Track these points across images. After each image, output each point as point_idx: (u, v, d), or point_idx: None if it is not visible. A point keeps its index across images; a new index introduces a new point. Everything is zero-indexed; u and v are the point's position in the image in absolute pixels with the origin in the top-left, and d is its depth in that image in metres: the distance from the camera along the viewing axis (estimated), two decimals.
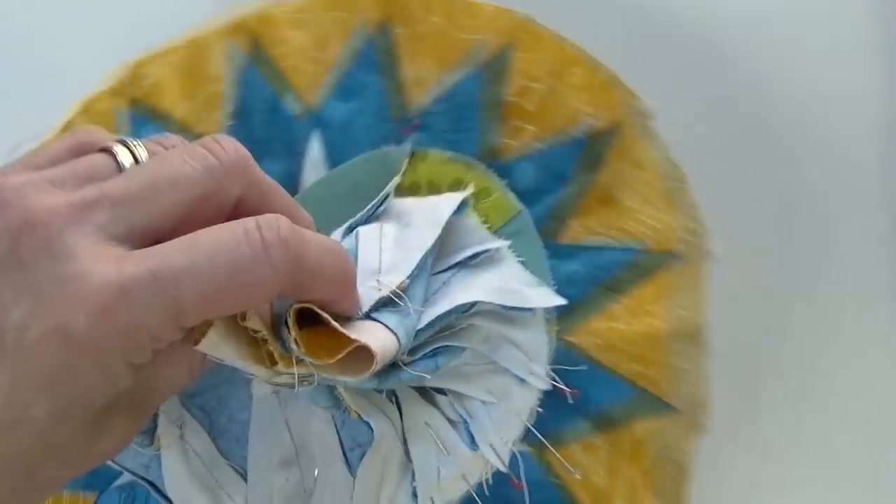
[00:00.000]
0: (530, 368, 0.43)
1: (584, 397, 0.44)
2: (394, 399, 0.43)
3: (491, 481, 0.43)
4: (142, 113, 0.51)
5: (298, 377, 0.36)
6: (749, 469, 0.50)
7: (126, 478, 0.46)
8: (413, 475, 0.42)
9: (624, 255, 0.46)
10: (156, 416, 0.44)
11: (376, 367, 0.36)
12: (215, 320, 0.35)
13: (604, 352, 0.45)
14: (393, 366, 0.40)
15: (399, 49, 0.49)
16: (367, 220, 0.45)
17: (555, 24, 0.48)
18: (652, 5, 0.52)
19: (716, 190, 0.47)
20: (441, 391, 0.43)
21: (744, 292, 0.50)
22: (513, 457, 0.43)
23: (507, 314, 0.42)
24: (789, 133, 0.50)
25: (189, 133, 0.50)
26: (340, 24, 0.50)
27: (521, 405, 0.42)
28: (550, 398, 0.44)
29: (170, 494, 0.43)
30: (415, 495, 0.42)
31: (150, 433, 0.44)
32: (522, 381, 0.43)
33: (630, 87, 0.48)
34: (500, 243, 0.44)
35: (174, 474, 0.43)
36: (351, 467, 0.43)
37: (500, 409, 0.42)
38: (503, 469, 0.42)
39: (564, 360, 0.44)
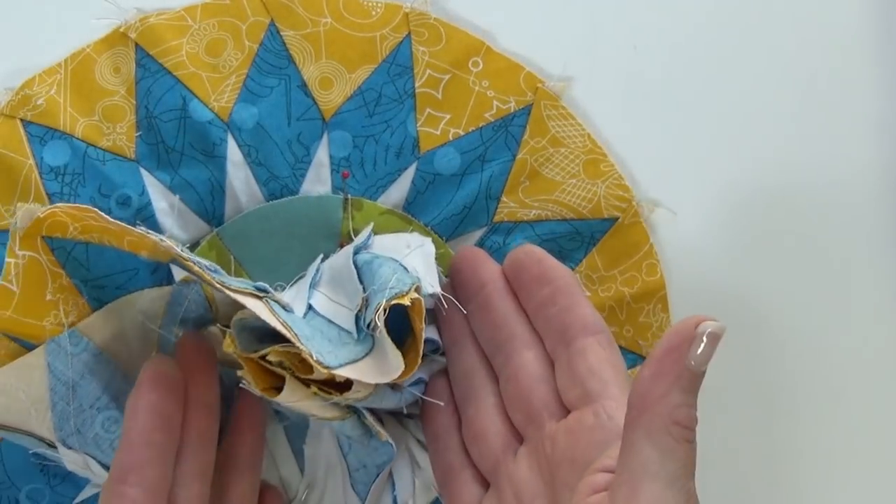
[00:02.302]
0: None
1: None
2: (383, 424, 0.46)
3: None
4: (41, 133, 0.47)
5: (341, 412, 0.43)
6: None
7: (88, 492, 0.46)
8: (394, 486, 0.47)
9: (561, 225, 0.49)
10: None
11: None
12: (287, 376, 0.41)
13: None
14: (393, 387, 0.44)
15: (291, 50, 0.48)
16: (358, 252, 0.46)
17: None
18: None
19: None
20: (409, 416, 0.48)
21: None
22: None
23: None
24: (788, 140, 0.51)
25: (96, 146, 0.47)
26: (229, 29, 0.48)
27: None
28: None
29: None
30: (395, 502, 0.47)
31: None
32: None
33: (534, 72, 0.49)
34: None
35: None
36: (355, 484, 0.47)
37: None
38: None
39: None
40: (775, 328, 0.50)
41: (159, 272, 0.46)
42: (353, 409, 0.44)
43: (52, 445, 0.43)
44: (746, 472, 0.50)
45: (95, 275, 0.45)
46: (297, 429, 0.48)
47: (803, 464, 0.50)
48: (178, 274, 0.46)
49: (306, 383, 0.42)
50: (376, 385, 0.42)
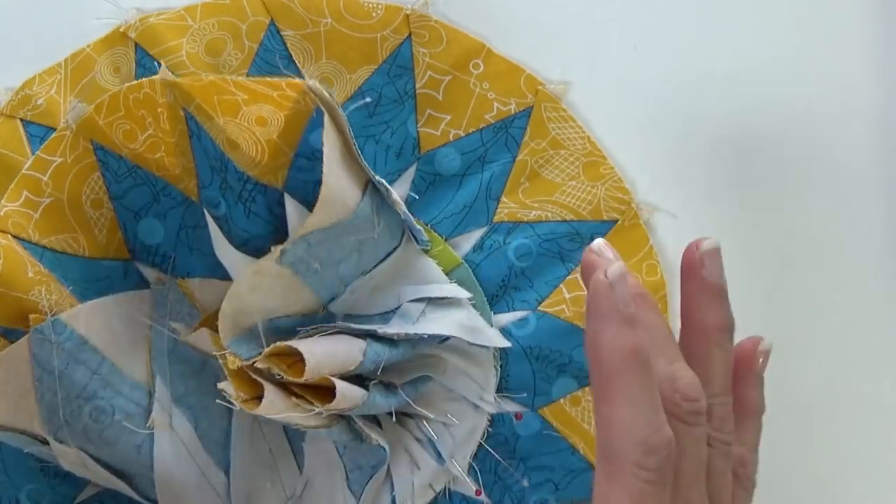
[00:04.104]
0: (482, 396, 0.48)
1: (568, 359, 0.48)
2: (380, 426, 0.47)
3: (452, 489, 0.48)
4: (41, 133, 0.47)
5: (327, 420, 0.43)
6: None
7: (88, 492, 0.46)
8: (392, 486, 0.47)
9: (561, 226, 0.49)
10: (151, 400, 0.45)
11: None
12: (266, 387, 0.41)
13: (581, 317, 0.48)
14: (388, 386, 0.45)
15: (291, 50, 0.48)
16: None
17: None
18: None
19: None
20: (408, 415, 0.48)
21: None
22: (470, 468, 0.48)
23: (469, 350, 0.47)
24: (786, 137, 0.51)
25: None
26: (229, 29, 0.48)
27: (476, 426, 0.48)
28: (540, 366, 0.48)
29: (157, 475, 0.45)
30: (394, 502, 0.47)
31: (145, 416, 0.45)
32: (476, 406, 0.48)
33: (534, 74, 0.49)
34: (466, 294, 0.47)
35: (164, 455, 0.45)
36: (351, 484, 0.47)
37: (460, 430, 0.48)
38: (463, 478, 0.48)
39: (549, 327, 0.48)
40: (774, 328, 0.50)
41: (130, 275, 0.46)
42: (341, 416, 0.44)
43: (45, 442, 0.43)
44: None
45: (73, 278, 0.45)
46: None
47: (798, 457, 0.50)
48: (150, 275, 0.46)
49: (289, 393, 0.42)
50: (365, 397, 0.43)
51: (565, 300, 0.48)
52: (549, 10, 0.50)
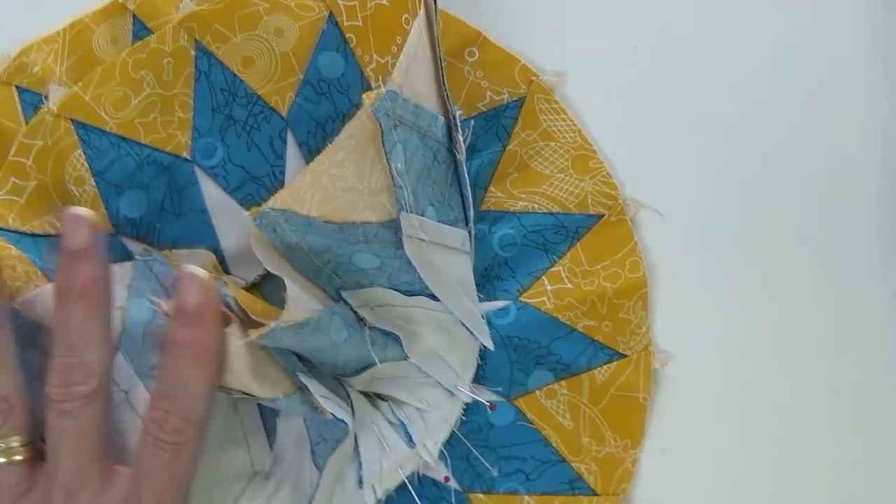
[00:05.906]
0: (458, 384, 0.48)
1: (546, 350, 0.48)
2: (349, 402, 0.47)
3: (422, 473, 0.48)
4: (35, 101, 0.47)
5: (281, 388, 0.44)
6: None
7: None
8: (360, 465, 0.47)
9: (547, 218, 0.49)
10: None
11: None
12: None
13: (561, 310, 0.49)
14: (361, 320, 0.45)
15: None
16: None
17: None
18: None
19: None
20: (382, 397, 0.48)
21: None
22: (440, 454, 0.48)
23: (456, 332, 0.47)
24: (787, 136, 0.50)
25: None
26: None
27: (450, 413, 0.48)
28: (518, 356, 0.48)
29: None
30: (360, 482, 0.47)
31: None
32: (451, 394, 0.48)
33: (528, 65, 0.49)
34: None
35: (128, 433, 0.45)
36: (316, 457, 0.47)
37: (433, 415, 0.48)
38: (433, 464, 0.48)
39: (528, 318, 0.48)
40: (764, 329, 0.50)
41: (115, 249, 0.46)
42: (297, 386, 0.44)
43: None
44: (737, 470, 0.51)
45: (51, 258, 0.44)
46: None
47: (794, 463, 0.50)
48: (135, 248, 0.46)
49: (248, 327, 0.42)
50: (322, 311, 0.43)
51: (546, 292, 0.48)
52: (548, 3, 0.50)
